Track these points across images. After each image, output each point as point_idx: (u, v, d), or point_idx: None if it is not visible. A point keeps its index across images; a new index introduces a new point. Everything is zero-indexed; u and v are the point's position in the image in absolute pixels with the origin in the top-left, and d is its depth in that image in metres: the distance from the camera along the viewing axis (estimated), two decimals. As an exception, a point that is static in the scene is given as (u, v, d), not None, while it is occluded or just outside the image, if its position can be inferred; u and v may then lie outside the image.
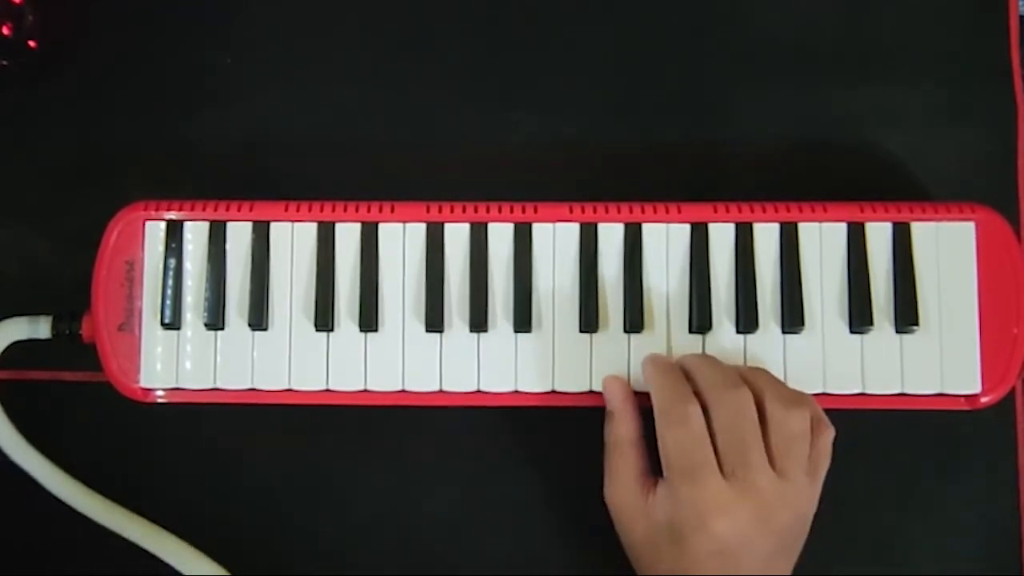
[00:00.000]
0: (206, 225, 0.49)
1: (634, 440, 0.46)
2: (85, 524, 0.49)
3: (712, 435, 0.44)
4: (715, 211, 0.49)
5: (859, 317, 0.48)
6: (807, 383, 0.48)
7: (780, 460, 0.43)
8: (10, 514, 0.51)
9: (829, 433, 0.45)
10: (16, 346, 0.50)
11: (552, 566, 0.51)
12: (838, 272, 0.48)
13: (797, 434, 0.44)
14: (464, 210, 0.49)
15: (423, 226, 0.49)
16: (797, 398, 0.45)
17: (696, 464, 0.43)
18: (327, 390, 0.48)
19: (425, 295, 0.48)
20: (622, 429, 0.47)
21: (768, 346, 0.48)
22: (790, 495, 0.43)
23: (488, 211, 0.49)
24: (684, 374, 0.46)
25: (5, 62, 0.53)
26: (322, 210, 0.49)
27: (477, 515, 0.52)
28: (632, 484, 0.46)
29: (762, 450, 0.43)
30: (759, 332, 0.48)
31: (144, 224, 0.49)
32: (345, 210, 0.49)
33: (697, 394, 0.45)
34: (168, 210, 0.49)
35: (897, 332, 0.48)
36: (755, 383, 0.45)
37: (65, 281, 0.50)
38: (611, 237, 0.49)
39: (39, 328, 0.49)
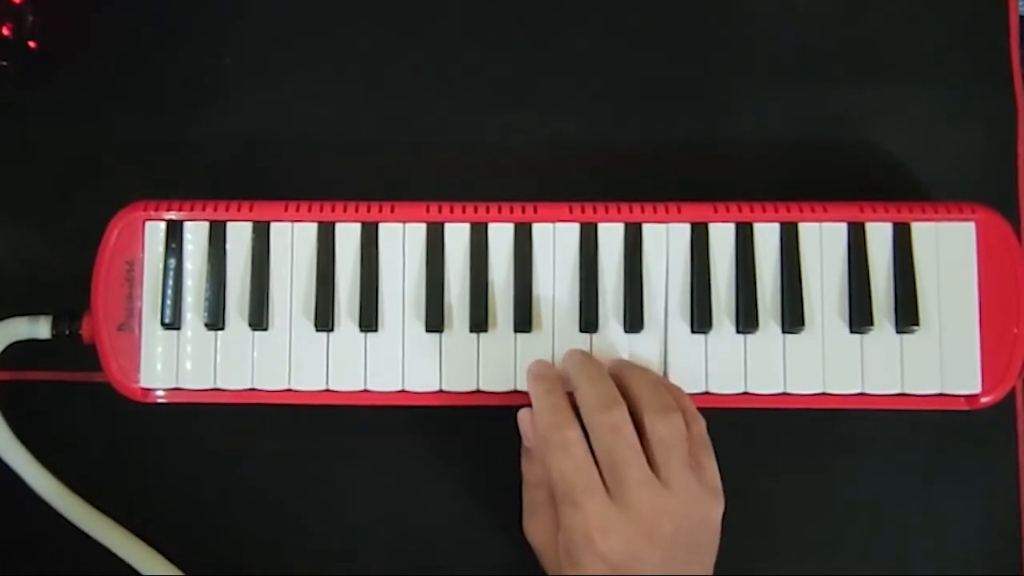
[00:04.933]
0: (206, 225, 0.49)
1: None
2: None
3: (594, 457, 0.44)
4: (715, 211, 0.49)
5: (859, 317, 0.48)
6: (807, 383, 0.48)
7: (658, 468, 0.43)
8: (6, 512, 0.51)
9: (698, 425, 0.45)
10: (16, 346, 0.50)
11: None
12: (838, 272, 0.48)
13: (669, 441, 0.44)
14: (464, 210, 0.49)
15: (423, 226, 0.49)
16: (665, 404, 0.44)
17: (577, 489, 0.43)
18: (327, 390, 0.48)
19: (425, 295, 0.48)
20: (540, 469, 0.47)
21: (768, 346, 0.48)
22: (672, 504, 0.43)
23: (488, 211, 0.49)
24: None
25: (5, 62, 0.53)
26: (322, 210, 0.49)
27: (477, 515, 0.52)
28: (552, 522, 0.46)
29: (640, 465, 0.43)
30: (759, 332, 0.48)
31: (144, 224, 0.49)
32: (345, 210, 0.49)
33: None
34: (168, 210, 0.49)
35: (897, 332, 0.48)
36: (632, 395, 0.45)
37: (65, 281, 0.50)
38: (611, 237, 0.49)
39: (39, 328, 0.49)
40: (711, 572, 0.45)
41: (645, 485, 0.43)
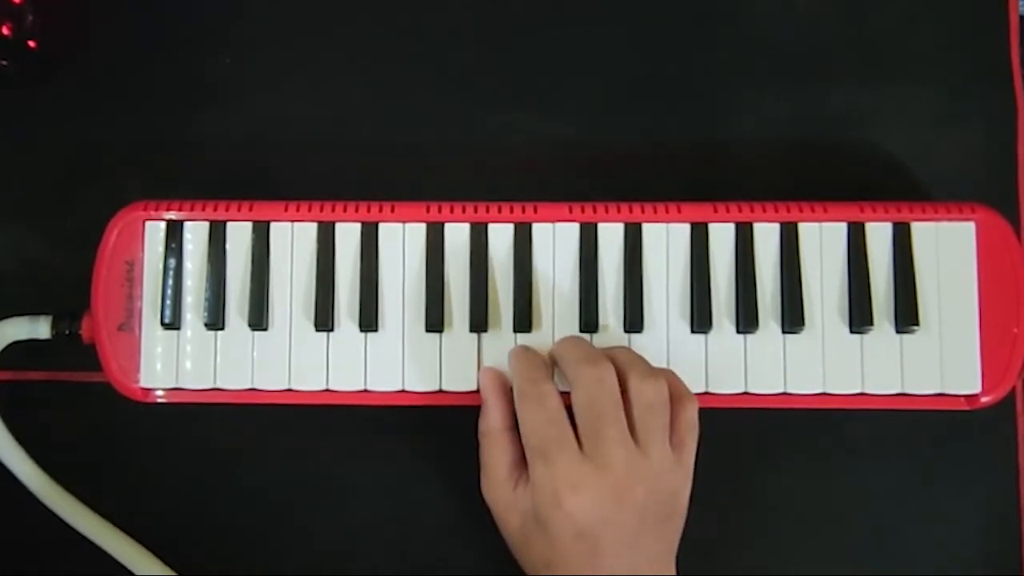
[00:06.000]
0: (206, 225, 0.49)
1: (503, 429, 0.46)
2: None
3: (572, 413, 0.44)
4: (715, 211, 0.49)
5: (859, 317, 0.48)
6: (807, 383, 0.48)
7: (639, 432, 0.43)
8: (6, 512, 0.51)
9: (692, 405, 0.45)
10: (16, 346, 0.50)
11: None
12: (838, 272, 0.48)
13: (653, 403, 0.43)
14: (464, 210, 0.49)
15: (423, 226, 0.49)
16: (653, 370, 0.45)
17: (550, 442, 0.43)
18: (327, 390, 0.48)
19: (425, 295, 0.48)
20: (491, 418, 0.46)
21: (768, 346, 0.48)
22: (647, 470, 0.43)
23: (488, 211, 0.49)
24: (552, 360, 0.47)
25: (5, 62, 0.53)
26: (322, 210, 0.49)
27: (476, 515, 0.51)
28: (504, 475, 0.45)
29: (620, 424, 0.43)
30: (759, 332, 0.48)
31: (144, 224, 0.49)
32: (345, 210, 0.49)
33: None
34: (168, 210, 0.49)
35: (897, 332, 0.48)
36: (617, 359, 0.45)
37: (65, 281, 0.50)
38: (611, 237, 0.49)
39: (39, 328, 0.49)
40: (674, 551, 0.44)
41: (621, 444, 0.42)
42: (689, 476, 0.45)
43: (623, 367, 0.45)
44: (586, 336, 0.48)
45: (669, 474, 0.44)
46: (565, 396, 0.45)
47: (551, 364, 0.47)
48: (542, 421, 0.43)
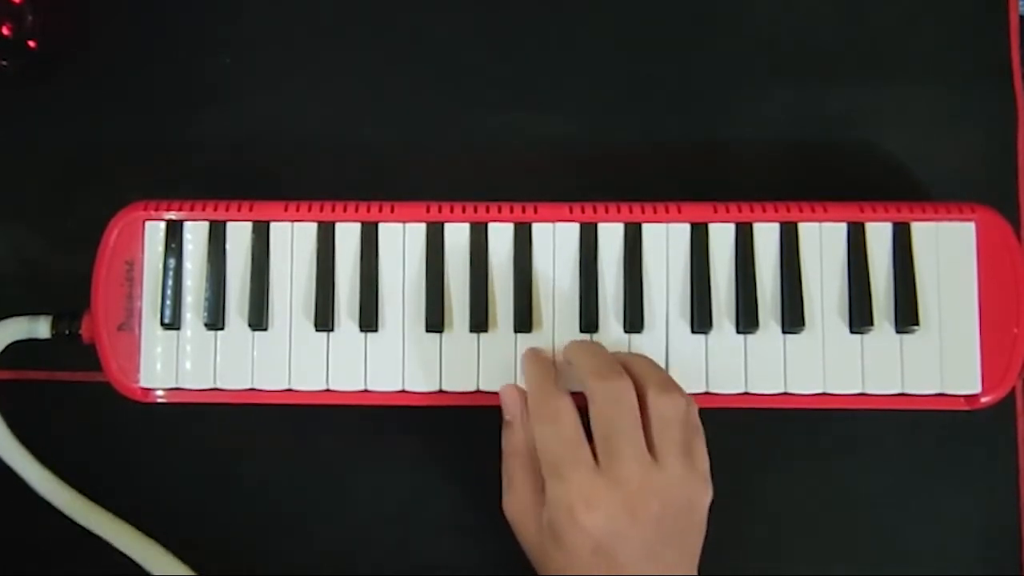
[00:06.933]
0: (206, 225, 0.49)
1: (529, 448, 0.46)
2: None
3: (589, 426, 0.43)
4: (715, 211, 0.49)
5: (859, 317, 0.48)
6: (807, 383, 0.48)
7: (656, 446, 0.43)
8: (6, 512, 0.51)
9: (691, 410, 0.45)
10: (16, 346, 0.50)
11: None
12: (838, 272, 0.48)
13: (669, 417, 0.43)
14: (464, 210, 0.49)
15: (423, 226, 0.49)
16: (670, 383, 0.45)
17: (564, 460, 0.43)
18: (327, 390, 0.48)
19: (425, 295, 0.48)
20: (518, 438, 0.46)
21: (768, 346, 0.48)
22: (661, 483, 0.42)
23: (488, 211, 0.49)
24: (568, 362, 0.47)
25: (5, 62, 0.53)
26: (322, 210, 0.49)
27: (477, 515, 0.52)
28: (529, 493, 0.45)
29: (637, 438, 0.43)
30: (759, 332, 0.48)
31: (144, 224, 0.49)
32: (345, 210, 0.49)
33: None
34: (168, 210, 0.49)
35: (897, 332, 0.48)
36: (634, 370, 0.45)
37: (65, 281, 0.50)
38: (611, 237, 0.49)
39: (39, 328, 0.49)
40: (696, 563, 0.44)
41: (637, 460, 0.42)
42: (705, 480, 0.44)
43: (640, 379, 0.44)
44: (586, 336, 0.48)
45: (685, 484, 0.43)
46: (577, 396, 0.45)
47: (564, 364, 0.47)
48: (556, 439, 0.43)
